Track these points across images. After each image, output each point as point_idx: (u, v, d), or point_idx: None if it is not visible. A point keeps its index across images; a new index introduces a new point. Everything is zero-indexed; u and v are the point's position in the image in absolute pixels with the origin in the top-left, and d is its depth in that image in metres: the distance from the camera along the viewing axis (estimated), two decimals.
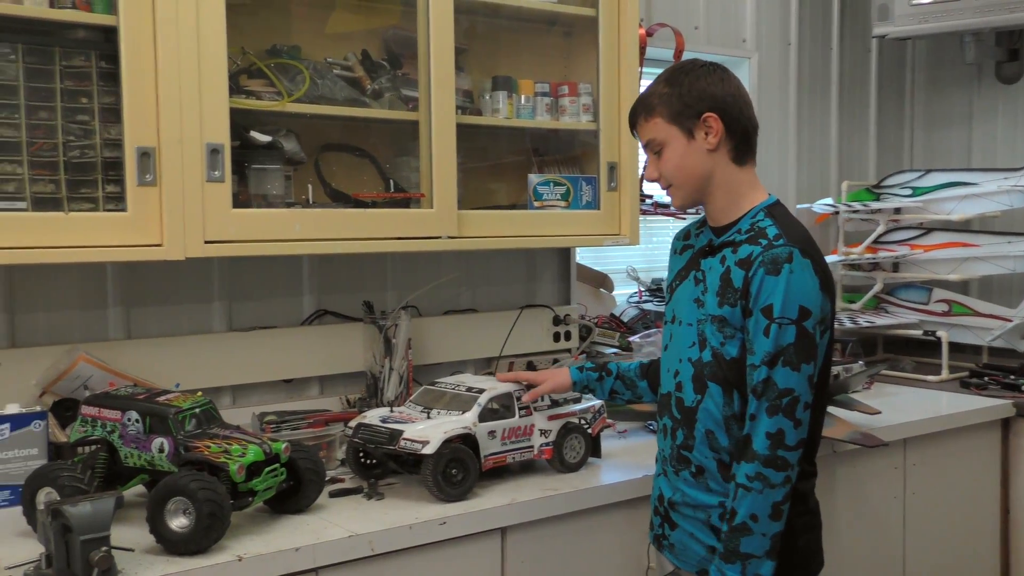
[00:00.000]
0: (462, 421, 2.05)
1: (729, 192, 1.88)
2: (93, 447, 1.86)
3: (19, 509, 1.82)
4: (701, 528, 1.90)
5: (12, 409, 1.98)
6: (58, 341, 2.23)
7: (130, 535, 1.73)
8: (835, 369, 3.06)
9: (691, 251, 1.99)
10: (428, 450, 1.96)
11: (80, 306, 2.28)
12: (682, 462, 1.91)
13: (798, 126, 3.76)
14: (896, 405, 2.98)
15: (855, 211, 3.63)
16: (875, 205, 3.61)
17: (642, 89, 2.84)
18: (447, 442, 1.98)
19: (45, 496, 1.75)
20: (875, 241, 3.63)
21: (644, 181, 2.00)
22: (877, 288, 3.65)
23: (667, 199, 1.99)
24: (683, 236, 2.06)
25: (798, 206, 3.73)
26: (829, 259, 3.65)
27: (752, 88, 3.59)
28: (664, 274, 3.37)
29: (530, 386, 2.20)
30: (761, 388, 1.77)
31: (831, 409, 2.64)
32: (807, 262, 1.78)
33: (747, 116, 1.88)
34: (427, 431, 1.99)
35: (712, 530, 1.88)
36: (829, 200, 3.72)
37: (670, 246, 2.09)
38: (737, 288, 1.81)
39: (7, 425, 1.96)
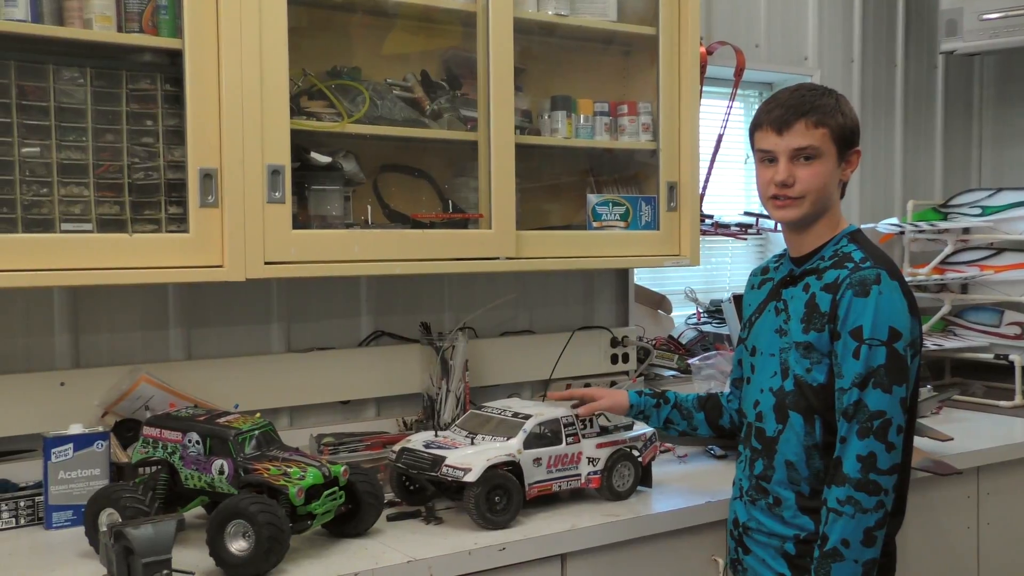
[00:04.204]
0: (506, 448, 2.01)
1: (829, 222, 1.89)
2: (154, 468, 1.86)
3: (83, 529, 1.83)
4: (773, 555, 1.87)
5: (75, 429, 2.00)
6: (120, 362, 2.24)
7: (190, 558, 1.73)
8: None
9: (770, 284, 1.97)
10: (470, 478, 1.92)
11: (142, 327, 2.30)
12: (760, 492, 1.89)
13: (861, 145, 3.66)
14: (967, 431, 2.88)
15: (921, 231, 3.54)
16: (943, 225, 3.51)
17: (703, 106, 2.83)
18: (490, 469, 1.94)
19: (107, 517, 1.76)
20: (943, 262, 3.53)
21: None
22: (945, 310, 3.55)
23: (776, 209, 1.89)
24: (761, 271, 2.05)
25: (862, 226, 3.63)
26: None
27: None
28: (722, 295, 3.36)
29: (581, 403, 2.15)
30: (852, 410, 1.74)
31: None
32: (895, 284, 1.77)
33: None
34: (470, 458, 1.96)
35: (784, 557, 1.85)
36: (894, 220, 3.63)
37: (746, 282, 2.08)
38: (824, 312, 1.79)
39: (70, 445, 1.97)
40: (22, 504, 1.99)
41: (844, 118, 1.84)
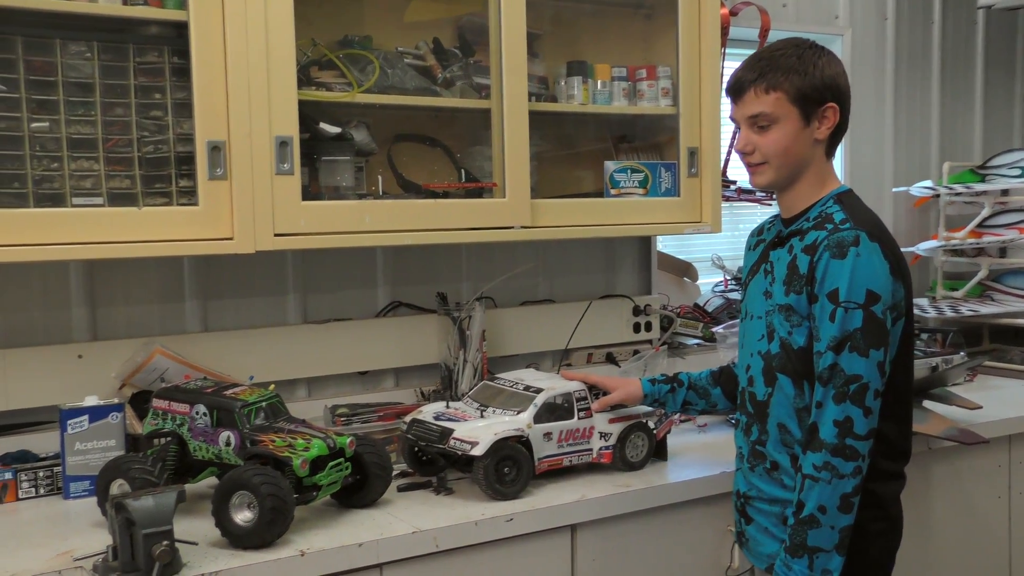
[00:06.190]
0: (516, 422, 1.99)
1: (814, 182, 1.84)
2: (165, 439, 1.88)
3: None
4: (775, 523, 1.84)
5: (90, 401, 2.03)
6: (137, 334, 2.27)
7: (199, 528, 1.75)
8: (933, 361, 2.91)
9: (763, 245, 1.94)
10: (477, 451, 1.91)
11: (159, 299, 2.32)
12: (757, 458, 1.87)
13: (895, 106, 3.58)
14: (1001, 399, 2.81)
15: (957, 193, 3.44)
16: (980, 187, 3.41)
17: (725, 69, 2.77)
18: (499, 440, 1.93)
19: (117, 488, 1.78)
20: (980, 225, 3.43)
21: (732, 152, 1.89)
22: (982, 275, 3.45)
23: (748, 175, 1.89)
24: (757, 232, 2.02)
25: (894, 189, 3.56)
26: (928, 244, 3.47)
27: (845, 67, 3.41)
28: None
29: (593, 388, 2.13)
30: (827, 374, 1.71)
31: (927, 404, 2.51)
32: (875, 245, 1.72)
33: (849, 113, 1.85)
34: (478, 431, 1.94)
35: (785, 524, 1.80)
36: (929, 182, 3.53)
37: (745, 243, 2.04)
38: (803, 274, 1.76)
39: (85, 416, 2.00)
40: (41, 474, 2.03)
41: (806, 77, 1.76)
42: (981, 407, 2.53)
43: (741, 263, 3.32)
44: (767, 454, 1.84)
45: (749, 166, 1.85)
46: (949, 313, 3.32)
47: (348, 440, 1.84)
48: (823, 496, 1.69)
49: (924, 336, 3.30)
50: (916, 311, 3.37)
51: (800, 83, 1.76)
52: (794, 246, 1.80)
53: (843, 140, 3.47)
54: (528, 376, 2.16)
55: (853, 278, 1.69)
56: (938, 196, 3.47)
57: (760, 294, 1.87)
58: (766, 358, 1.83)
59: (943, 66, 3.70)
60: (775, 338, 1.81)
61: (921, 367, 2.84)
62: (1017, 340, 3.52)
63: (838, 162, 3.43)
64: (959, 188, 3.42)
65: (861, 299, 1.69)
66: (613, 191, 2.55)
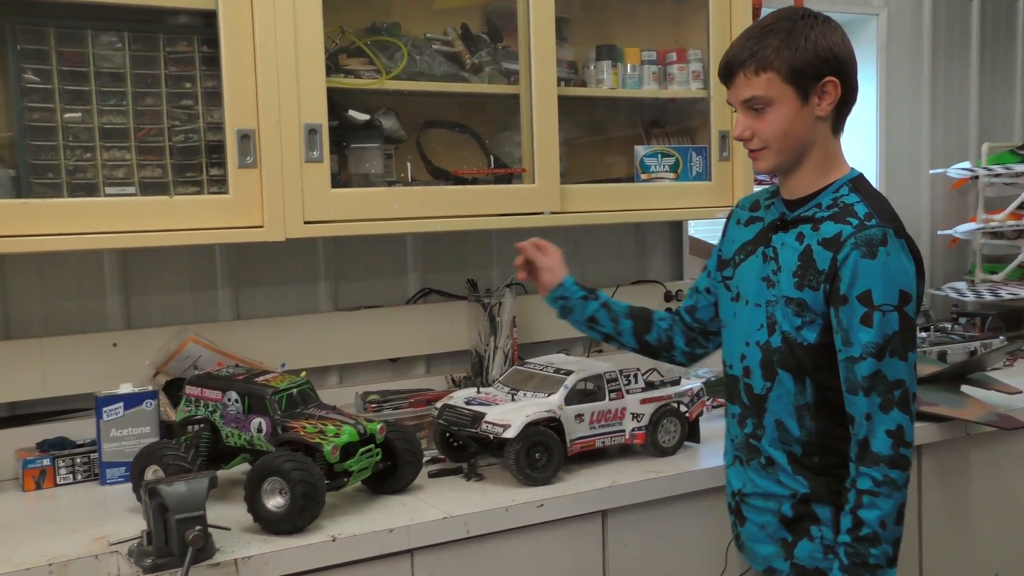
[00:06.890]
0: (547, 404, 1.99)
1: (820, 164, 1.71)
2: (198, 426, 1.90)
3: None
4: (770, 521, 1.76)
5: (125, 388, 2.05)
6: (171, 322, 2.29)
7: (232, 513, 1.76)
8: (972, 345, 2.87)
9: (759, 224, 1.81)
10: (509, 434, 1.91)
11: (191, 288, 2.34)
12: (752, 452, 1.78)
13: (932, 86, 3.51)
14: None
15: (997, 175, 3.37)
16: (1020, 168, 3.33)
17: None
18: (530, 425, 1.93)
19: (151, 474, 1.80)
20: (1020, 206, 3.35)
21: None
22: (1022, 258, 3.38)
23: (751, 160, 1.75)
24: (749, 206, 1.87)
25: (931, 171, 3.50)
26: (967, 227, 3.42)
27: (881, 47, 3.37)
28: None
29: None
30: (869, 383, 1.60)
31: (965, 388, 2.48)
32: (901, 242, 1.63)
33: (857, 84, 1.72)
34: (509, 414, 1.94)
35: (782, 523, 1.75)
36: (967, 164, 3.46)
37: (732, 213, 1.91)
38: (822, 270, 1.64)
39: (120, 404, 2.03)
40: (78, 461, 2.06)
41: (797, 52, 1.61)
42: (1021, 392, 2.50)
43: None
44: (762, 449, 1.76)
45: (749, 152, 1.73)
46: (988, 297, 3.27)
47: (378, 426, 1.85)
48: (884, 511, 1.60)
49: (962, 320, 3.25)
50: (954, 295, 3.35)
51: (792, 59, 1.62)
52: (806, 235, 1.69)
53: (878, 121, 3.46)
54: (558, 360, 2.16)
55: (886, 280, 1.60)
56: (977, 177, 3.41)
57: (758, 279, 1.76)
58: (765, 350, 1.73)
59: (982, 44, 3.63)
60: (776, 331, 1.70)
61: (959, 351, 2.81)
62: None
63: (873, 145, 3.39)
64: (998, 169, 3.35)
65: (896, 301, 1.60)
66: (643, 176, 2.54)
